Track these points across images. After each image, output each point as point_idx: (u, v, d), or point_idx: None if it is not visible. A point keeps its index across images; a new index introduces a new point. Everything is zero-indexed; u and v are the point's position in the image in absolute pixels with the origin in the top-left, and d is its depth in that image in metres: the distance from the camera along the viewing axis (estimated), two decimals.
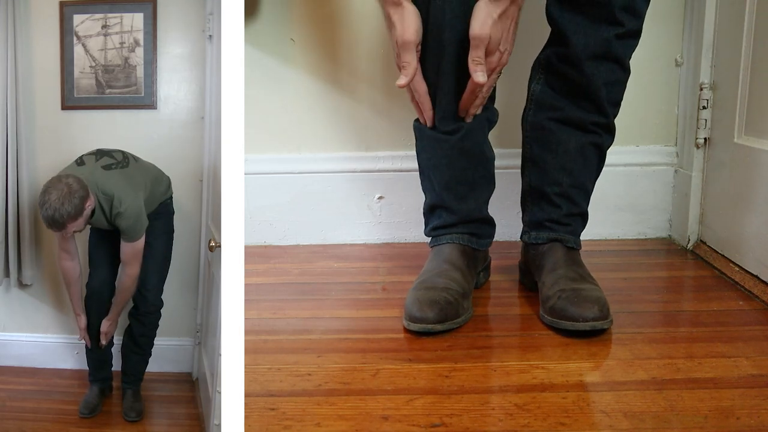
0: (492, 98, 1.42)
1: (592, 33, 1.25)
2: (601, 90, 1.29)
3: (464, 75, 1.25)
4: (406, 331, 1.24)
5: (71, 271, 1.73)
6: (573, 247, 1.36)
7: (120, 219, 1.62)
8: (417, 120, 1.39)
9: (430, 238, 1.43)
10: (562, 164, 1.34)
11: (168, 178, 1.83)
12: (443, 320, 1.22)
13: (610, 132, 1.36)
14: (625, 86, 1.34)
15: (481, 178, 1.40)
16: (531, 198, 1.40)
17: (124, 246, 1.68)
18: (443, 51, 1.26)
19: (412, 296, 1.26)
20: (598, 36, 1.25)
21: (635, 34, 1.28)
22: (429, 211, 1.43)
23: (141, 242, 1.68)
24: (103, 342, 1.78)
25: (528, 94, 1.39)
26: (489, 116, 1.39)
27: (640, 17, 1.27)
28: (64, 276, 1.75)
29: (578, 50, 1.26)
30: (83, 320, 1.75)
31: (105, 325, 1.76)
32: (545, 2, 1.32)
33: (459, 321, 1.25)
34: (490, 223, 1.45)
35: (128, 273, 1.71)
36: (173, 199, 1.86)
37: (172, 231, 1.84)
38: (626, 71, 1.31)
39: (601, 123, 1.33)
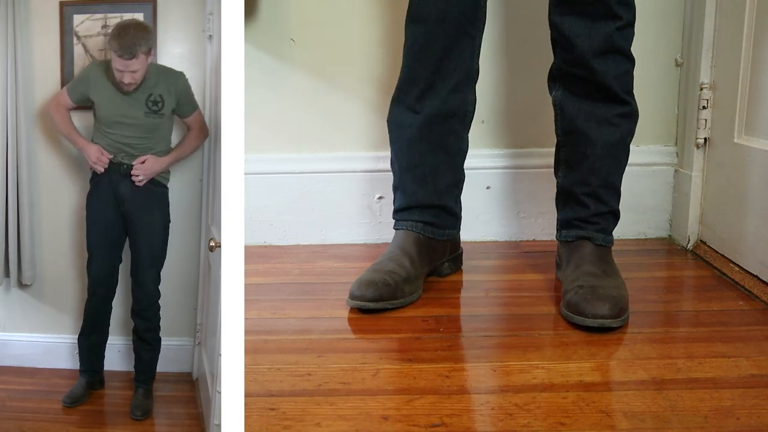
0: (473, 80, 1.46)
1: (593, 32, 1.29)
2: (613, 83, 1.33)
3: (444, 55, 1.36)
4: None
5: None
6: (602, 245, 1.39)
7: (181, 88, 1.74)
8: (390, 108, 1.48)
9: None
10: (591, 166, 1.39)
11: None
12: (378, 300, 1.32)
13: (634, 118, 1.40)
14: (633, 75, 1.37)
15: (442, 165, 1.46)
16: (562, 198, 1.45)
17: (190, 117, 1.78)
18: (423, 30, 1.37)
19: (359, 276, 1.37)
20: (600, 32, 1.29)
21: (632, 24, 1.34)
22: (393, 191, 1.53)
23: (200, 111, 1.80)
24: (141, 177, 1.71)
25: (552, 103, 1.43)
26: (462, 106, 1.44)
27: (632, 7, 1.33)
28: (56, 101, 1.78)
29: (584, 51, 1.31)
30: (94, 148, 1.72)
31: (148, 162, 1.72)
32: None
33: (397, 303, 1.34)
34: (453, 215, 1.51)
35: (198, 135, 1.79)
36: (172, 197, 1.85)
37: (169, 222, 1.81)
38: (631, 61, 1.35)
39: (626, 112, 1.37)
